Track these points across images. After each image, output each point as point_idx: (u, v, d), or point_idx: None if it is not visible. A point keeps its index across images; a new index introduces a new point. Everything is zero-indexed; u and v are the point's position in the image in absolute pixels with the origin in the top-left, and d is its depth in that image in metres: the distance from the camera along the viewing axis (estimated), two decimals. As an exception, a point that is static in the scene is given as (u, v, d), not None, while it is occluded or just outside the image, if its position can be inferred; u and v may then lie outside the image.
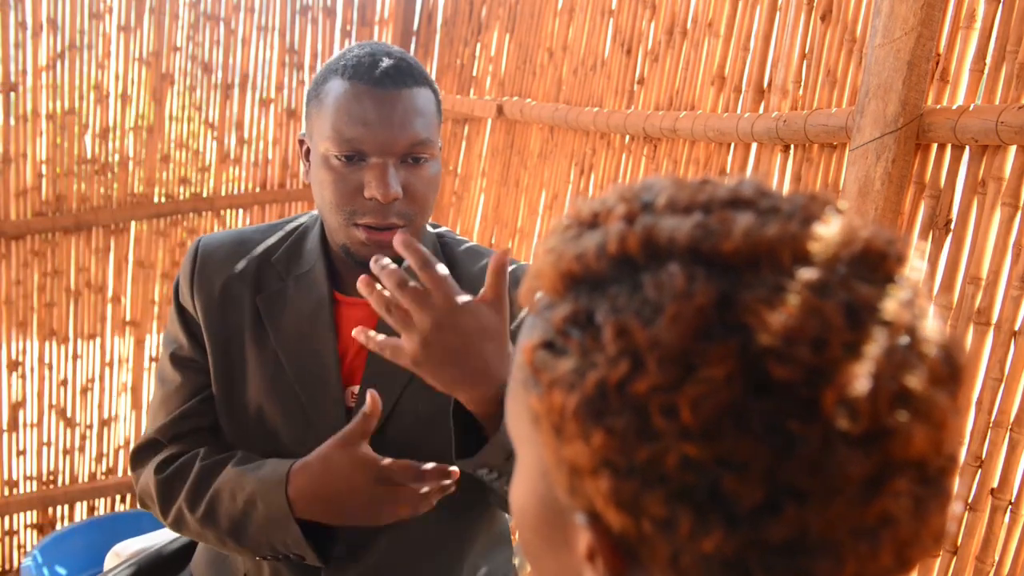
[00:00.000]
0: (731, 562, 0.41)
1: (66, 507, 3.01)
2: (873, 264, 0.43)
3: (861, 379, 0.40)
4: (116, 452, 3.08)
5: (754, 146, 1.69)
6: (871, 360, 0.40)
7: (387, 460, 1.07)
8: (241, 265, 1.23)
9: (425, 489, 1.06)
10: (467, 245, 1.28)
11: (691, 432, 0.40)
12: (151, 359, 3.09)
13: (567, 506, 0.47)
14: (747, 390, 0.40)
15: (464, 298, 0.93)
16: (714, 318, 0.41)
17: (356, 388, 1.19)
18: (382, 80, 1.09)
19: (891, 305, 0.42)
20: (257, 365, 1.19)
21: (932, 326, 0.43)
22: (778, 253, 0.42)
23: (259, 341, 1.20)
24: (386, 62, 1.11)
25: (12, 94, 2.70)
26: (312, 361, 1.18)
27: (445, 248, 1.25)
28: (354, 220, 1.11)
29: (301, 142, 1.19)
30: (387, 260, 0.94)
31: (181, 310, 1.24)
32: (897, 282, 0.43)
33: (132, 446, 1.20)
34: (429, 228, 1.26)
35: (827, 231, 0.43)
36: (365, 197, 1.10)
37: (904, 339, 0.42)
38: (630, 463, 0.41)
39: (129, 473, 1.16)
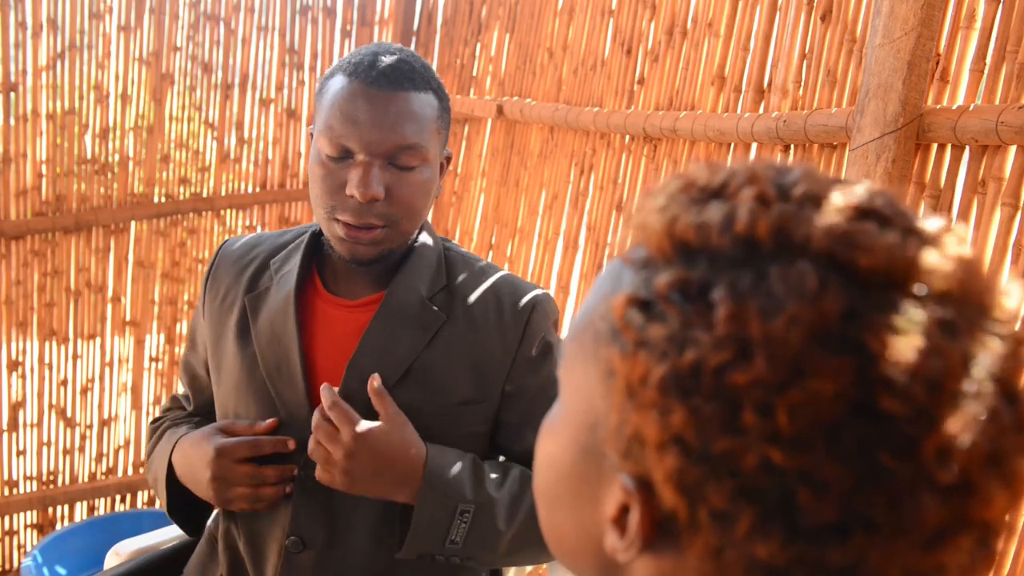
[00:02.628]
0: (777, 572, 0.40)
1: (66, 507, 3.01)
2: (992, 311, 0.42)
3: (966, 432, 0.39)
4: (116, 452, 3.08)
5: (754, 146, 1.68)
6: (979, 414, 0.39)
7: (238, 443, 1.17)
8: (244, 267, 1.28)
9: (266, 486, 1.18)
10: (468, 259, 1.28)
11: (781, 437, 0.39)
12: (151, 359, 3.09)
13: (612, 466, 0.45)
14: (849, 411, 0.39)
15: (367, 426, 1.09)
16: (836, 330, 0.39)
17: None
18: (378, 80, 1.09)
19: (1003, 360, 0.41)
20: (238, 363, 1.23)
21: None
22: (913, 279, 0.41)
23: (243, 340, 1.23)
24: (387, 61, 1.11)
25: (12, 94, 2.70)
26: (281, 357, 1.19)
27: (448, 262, 1.25)
28: (335, 215, 1.13)
29: (311, 135, 1.21)
30: (331, 389, 1.10)
31: (197, 314, 1.33)
32: (1010, 333, 0.42)
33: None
34: (429, 240, 1.25)
35: (960, 269, 0.42)
36: (347, 194, 1.11)
37: (1008, 399, 0.41)
38: (704, 450, 0.40)
39: None
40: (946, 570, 0.41)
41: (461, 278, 1.24)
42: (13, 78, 2.69)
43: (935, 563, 0.40)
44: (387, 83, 1.09)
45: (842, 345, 0.39)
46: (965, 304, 0.41)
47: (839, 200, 0.43)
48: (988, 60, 1.26)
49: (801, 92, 1.58)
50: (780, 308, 0.40)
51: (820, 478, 0.39)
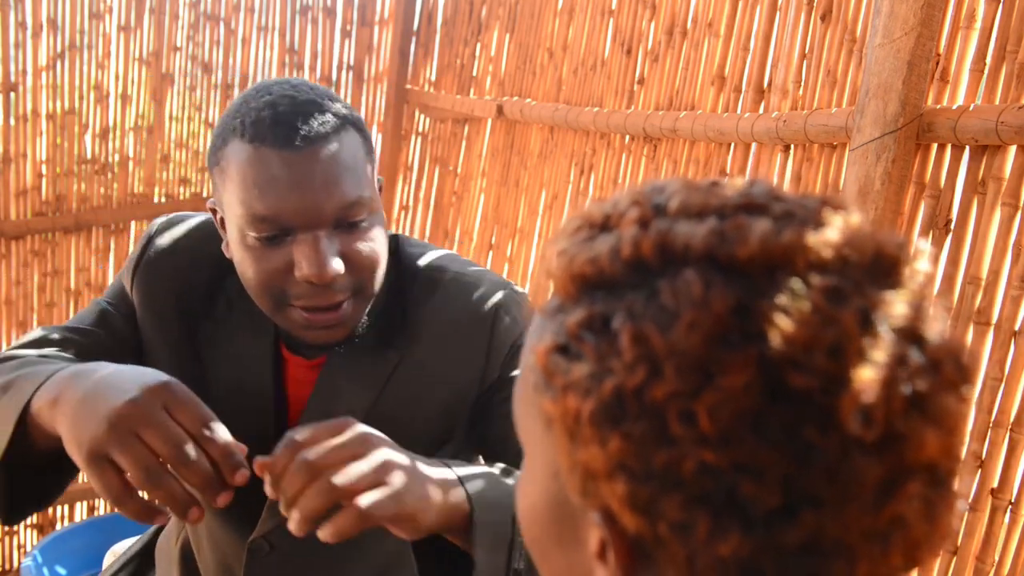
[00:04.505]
0: (747, 564, 0.41)
1: (66, 507, 3.01)
2: (885, 269, 0.44)
3: (876, 386, 0.40)
4: (116, 452, 3.08)
5: (754, 146, 1.68)
6: (885, 367, 0.40)
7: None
8: (188, 280, 1.06)
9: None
10: (422, 265, 1.07)
11: (709, 439, 0.40)
12: (151, 359, 3.09)
13: (579, 506, 0.47)
14: (764, 398, 0.40)
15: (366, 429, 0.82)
16: (731, 326, 0.41)
17: None
18: (291, 137, 0.89)
19: (903, 311, 0.42)
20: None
21: (942, 330, 0.44)
22: (793, 260, 0.42)
23: (189, 363, 1.04)
24: (292, 112, 0.90)
25: (12, 94, 2.70)
26: (247, 419, 0.99)
27: (401, 275, 1.05)
28: (288, 302, 0.94)
29: (213, 211, 0.99)
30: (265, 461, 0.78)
31: (124, 289, 1.09)
32: (908, 286, 0.44)
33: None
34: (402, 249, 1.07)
35: (840, 237, 0.43)
36: (297, 278, 0.92)
37: (916, 344, 0.42)
38: (647, 468, 0.42)
39: None
40: (905, 521, 0.42)
41: (417, 294, 1.04)
42: (13, 78, 2.69)
43: (890, 517, 0.41)
44: (302, 139, 0.89)
45: (740, 338, 0.40)
46: (850, 268, 0.43)
47: (713, 201, 0.45)
48: (988, 60, 1.26)
49: (801, 92, 1.58)
50: (675, 319, 0.41)
51: (756, 467, 0.40)
